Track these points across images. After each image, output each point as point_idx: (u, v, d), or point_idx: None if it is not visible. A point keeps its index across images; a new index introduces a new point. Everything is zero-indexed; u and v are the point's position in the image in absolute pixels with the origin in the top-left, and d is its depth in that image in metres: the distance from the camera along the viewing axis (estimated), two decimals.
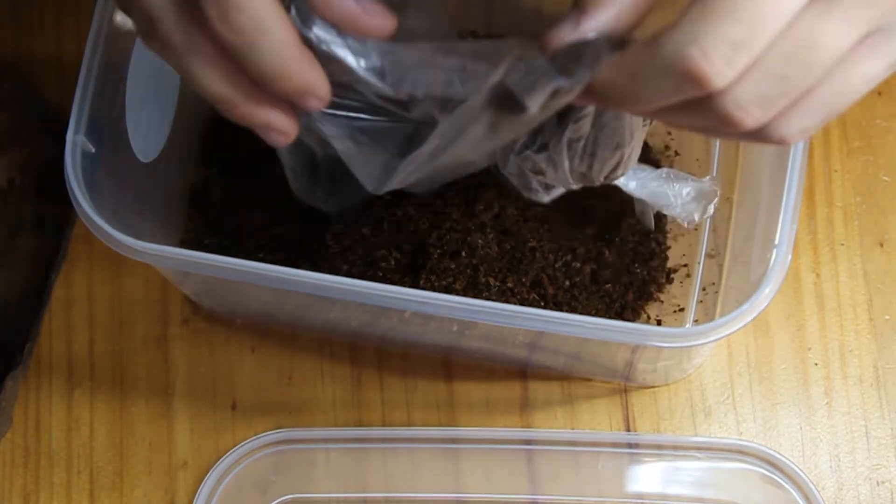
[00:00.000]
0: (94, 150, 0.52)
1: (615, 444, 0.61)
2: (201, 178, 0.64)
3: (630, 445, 0.61)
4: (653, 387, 0.62)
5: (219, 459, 0.62)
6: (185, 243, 0.63)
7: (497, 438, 0.61)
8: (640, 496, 0.60)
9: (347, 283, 0.48)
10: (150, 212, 0.60)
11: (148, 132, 0.57)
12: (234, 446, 0.62)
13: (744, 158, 0.62)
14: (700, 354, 0.59)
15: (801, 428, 0.62)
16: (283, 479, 0.61)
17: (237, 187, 0.62)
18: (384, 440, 0.62)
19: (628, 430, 0.62)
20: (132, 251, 0.50)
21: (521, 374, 0.63)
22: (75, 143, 0.51)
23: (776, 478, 0.60)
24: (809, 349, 0.63)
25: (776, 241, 0.48)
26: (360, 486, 0.61)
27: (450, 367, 0.63)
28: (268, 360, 0.64)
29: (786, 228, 0.48)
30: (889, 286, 0.63)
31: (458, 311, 0.48)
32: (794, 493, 0.60)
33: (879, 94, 0.66)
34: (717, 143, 0.64)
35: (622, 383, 0.62)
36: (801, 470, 0.60)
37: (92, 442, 0.63)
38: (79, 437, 0.63)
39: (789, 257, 0.48)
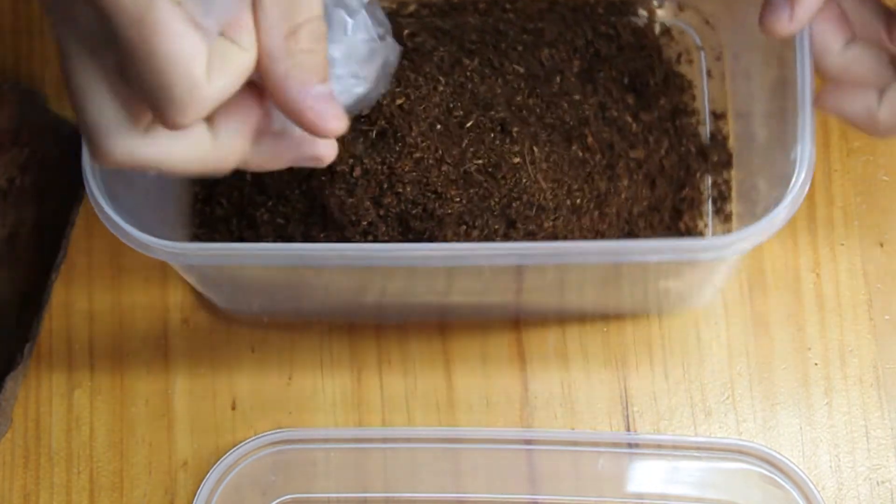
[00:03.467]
0: None
1: (615, 444, 0.61)
2: (203, 182, 0.64)
3: (630, 445, 0.61)
4: (657, 315, 0.62)
5: (219, 459, 0.62)
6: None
7: (497, 438, 0.61)
8: (640, 496, 0.60)
9: (373, 248, 0.50)
10: (162, 218, 0.60)
11: None
12: (234, 446, 0.62)
13: (733, 84, 0.63)
14: (716, 278, 0.59)
15: (801, 428, 0.62)
16: (283, 479, 0.61)
17: (241, 187, 0.62)
18: (384, 440, 0.62)
19: (628, 430, 0.62)
20: (172, 255, 0.50)
21: (521, 374, 0.63)
22: None
23: (776, 478, 0.60)
24: (809, 349, 0.63)
25: (798, 137, 0.48)
26: (360, 486, 0.61)
27: (450, 366, 0.63)
28: (268, 360, 0.64)
29: (806, 121, 0.48)
30: (889, 286, 0.63)
31: (465, 258, 0.49)
32: (794, 493, 0.60)
33: None
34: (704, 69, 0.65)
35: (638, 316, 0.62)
36: (801, 470, 0.60)
37: (92, 442, 0.63)
38: (79, 437, 0.63)
39: (814, 155, 0.48)
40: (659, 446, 0.61)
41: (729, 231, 0.62)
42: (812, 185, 0.64)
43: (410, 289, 0.59)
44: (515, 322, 0.63)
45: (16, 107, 0.64)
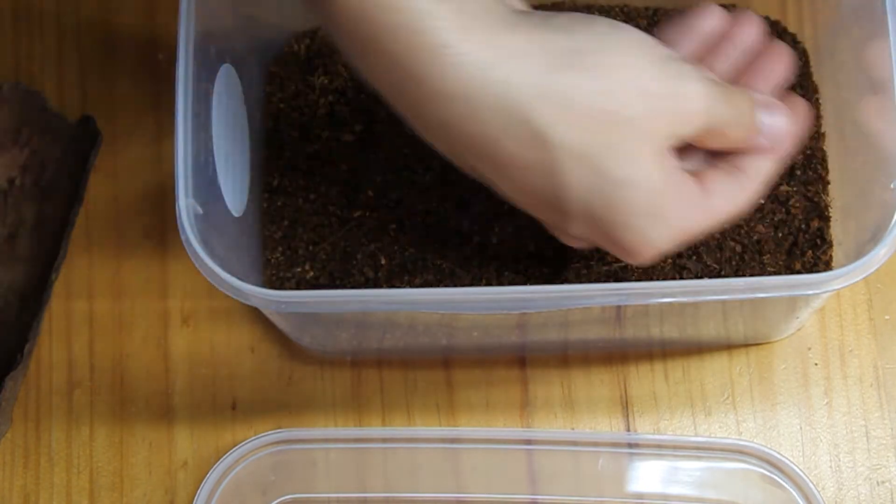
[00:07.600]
0: (202, 212, 0.51)
1: (615, 444, 0.61)
2: (274, 223, 0.63)
3: (630, 445, 0.61)
4: (758, 344, 0.62)
5: (219, 459, 0.62)
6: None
7: (497, 438, 0.61)
8: (640, 496, 0.60)
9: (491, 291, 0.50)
10: (249, 264, 0.59)
11: (234, 186, 0.57)
12: (234, 446, 0.62)
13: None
14: (802, 312, 0.59)
15: (801, 428, 0.62)
16: (283, 479, 0.62)
17: (309, 224, 0.62)
18: (384, 440, 0.62)
19: (628, 430, 0.62)
20: (267, 302, 0.50)
21: (521, 374, 0.63)
22: (188, 207, 0.50)
23: (776, 478, 0.60)
24: (809, 349, 0.63)
25: None
26: (360, 486, 0.61)
27: (450, 367, 0.63)
28: (268, 360, 0.64)
29: None
30: (889, 286, 0.63)
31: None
32: (794, 493, 0.60)
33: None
34: None
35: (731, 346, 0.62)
36: (801, 470, 0.60)
37: (92, 442, 0.63)
38: (79, 437, 0.63)
39: None
40: (659, 446, 0.61)
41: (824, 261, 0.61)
42: None
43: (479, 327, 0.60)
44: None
45: (16, 107, 0.65)
